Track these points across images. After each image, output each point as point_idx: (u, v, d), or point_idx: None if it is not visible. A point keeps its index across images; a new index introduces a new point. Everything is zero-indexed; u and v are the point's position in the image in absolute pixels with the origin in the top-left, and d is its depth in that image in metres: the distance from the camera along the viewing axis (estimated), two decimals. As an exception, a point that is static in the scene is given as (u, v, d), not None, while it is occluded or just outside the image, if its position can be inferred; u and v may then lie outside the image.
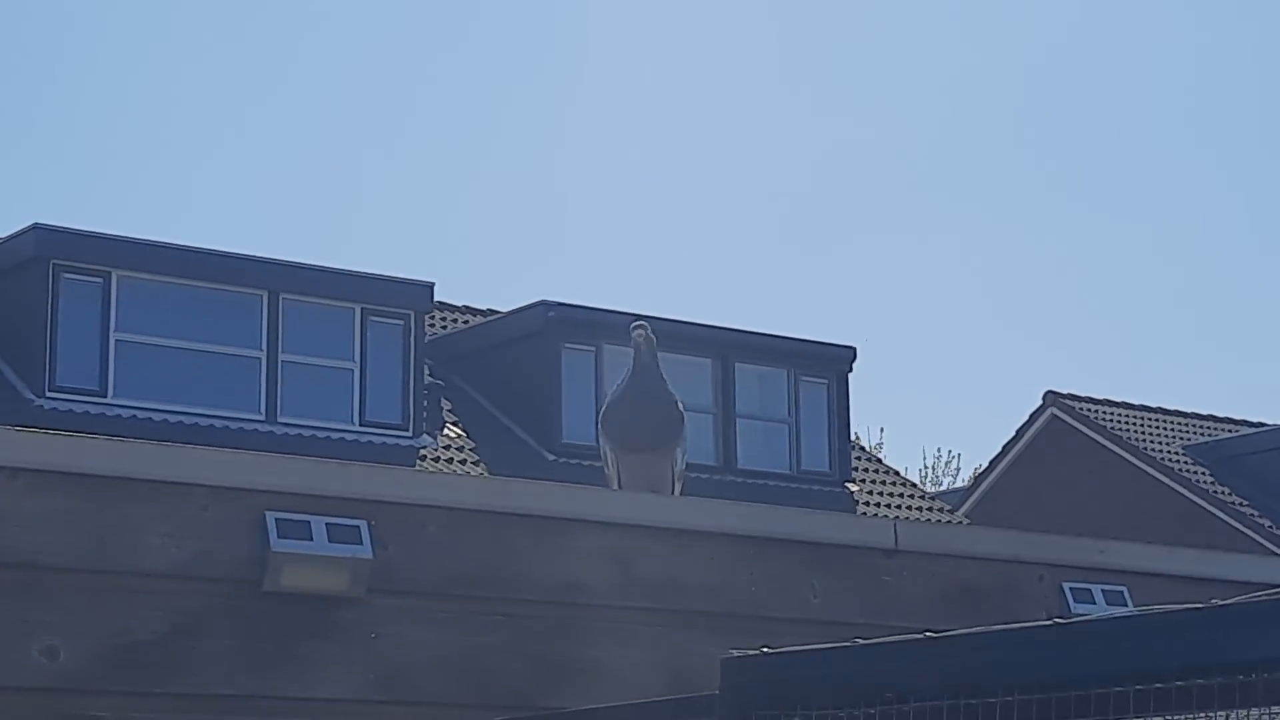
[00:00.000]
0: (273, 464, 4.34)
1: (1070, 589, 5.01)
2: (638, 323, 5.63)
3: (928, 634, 2.82)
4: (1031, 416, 24.04)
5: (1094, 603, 5.02)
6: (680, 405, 5.62)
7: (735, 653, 3.03)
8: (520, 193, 48.51)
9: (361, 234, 45.78)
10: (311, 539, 4.12)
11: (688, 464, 5.70)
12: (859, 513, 19.30)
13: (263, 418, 17.54)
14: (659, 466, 5.41)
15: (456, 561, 4.32)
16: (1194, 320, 49.23)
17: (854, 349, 20.50)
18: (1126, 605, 4.96)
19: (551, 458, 18.38)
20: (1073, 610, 4.97)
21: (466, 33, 47.21)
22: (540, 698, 4.31)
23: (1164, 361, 48.08)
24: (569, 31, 48.11)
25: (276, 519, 4.09)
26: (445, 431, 18.97)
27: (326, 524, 4.14)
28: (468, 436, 18.84)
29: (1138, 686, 2.59)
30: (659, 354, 5.80)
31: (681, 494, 5.58)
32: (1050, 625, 2.69)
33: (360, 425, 18.08)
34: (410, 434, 18.29)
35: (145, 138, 46.05)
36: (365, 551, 4.16)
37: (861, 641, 2.91)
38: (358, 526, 4.17)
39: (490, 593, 4.36)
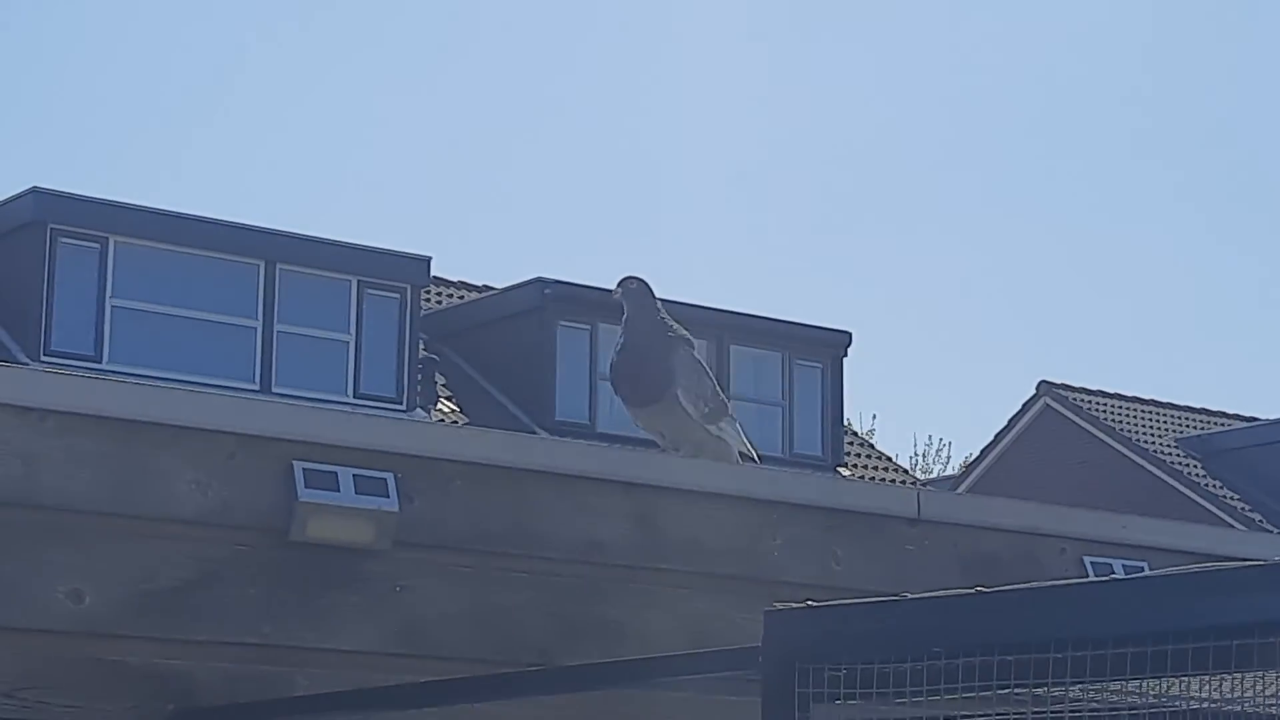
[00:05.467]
0: (302, 414, 4.31)
1: (1091, 563, 5.00)
2: (624, 277, 5.39)
3: (979, 589, 2.80)
4: (1024, 406, 24.05)
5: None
6: (680, 354, 5.24)
7: (778, 605, 3.01)
8: (519, 170, 48.44)
9: (360, 207, 45.73)
10: (338, 490, 4.10)
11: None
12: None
13: (257, 387, 17.51)
14: (666, 420, 5.21)
15: (482, 517, 4.29)
16: (1189, 313, 49.29)
17: (849, 334, 20.50)
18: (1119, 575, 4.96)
19: (544, 434, 18.37)
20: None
21: (473, 8, 47.13)
22: (562, 656, 4.28)
23: (1158, 354, 48.12)
24: (568, 8, 48.03)
25: (304, 469, 4.07)
26: (438, 406, 18.95)
27: (354, 475, 4.11)
28: (461, 411, 18.82)
29: (1195, 644, 2.57)
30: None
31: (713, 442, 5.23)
32: (1105, 581, 2.67)
33: (354, 397, 18.06)
34: (404, 407, 18.26)
35: (145, 103, 45.94)
36: (391, 504, 4.14)
37: (910, 596, 2.89)
38: (384, 479, 4.15)
39: (515, 549, 4.33)
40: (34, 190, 16.93)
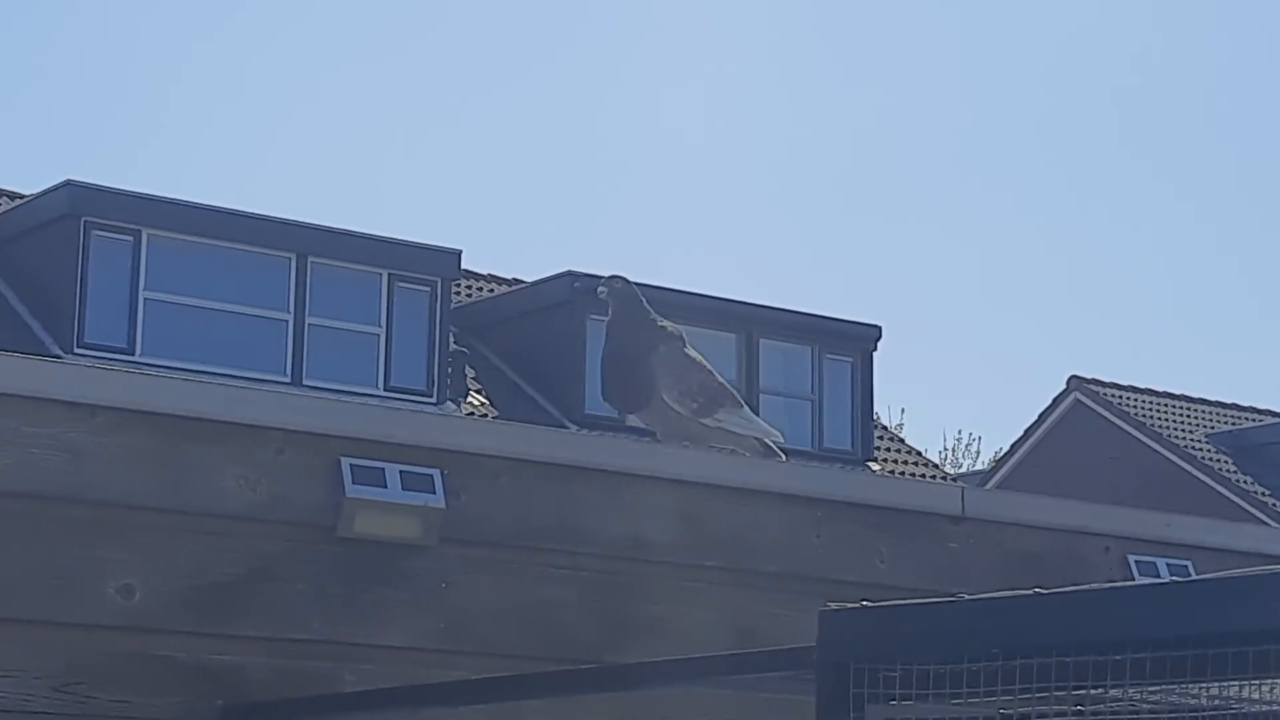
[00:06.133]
0: (349, 410, 4.32)
1: (1135, 561, 4.99)
2: (609, 276, 5.22)
3: (1037, 590, 2.79)
4: (1054, 401, 24.01)
5: (1159, 576, 4.99)
6: (660, 352, 5.06)
7: (833, 605, 3.00)
8: (550, 164, 48.44)
9: (391, 200, 45.78)
10: (385, 486, 4.10)
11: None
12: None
13: (288, 380, 17.54)
14: (655, 419, 5.05)
15: (527, 513, 4.30)
16: (1221, 308, 49.14)
17: (879, 328, 20.47)
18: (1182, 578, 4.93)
19: (573, 428, 18.36)
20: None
21: (502, 4, 47.14)
22: (607, 652, 4.28)
23: (1189, 348, 48.00)
24: (602, 2, 48.02)
25: (351, 465, 4.07)
26: (468, 399, 18.96)
27: (400, 471, 4.11)
28: (490, 404, 18.84)
29: (1256, 647, 2.56)
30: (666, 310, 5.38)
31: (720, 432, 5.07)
32: (1165, 583, 2.66)
33: (384, 390, 18.08)
34: (434, 400, 18.28)
35: (177, 97, 46.05)
36: (438, 500, 4.14)
37: (967, 596, 2.88)
38: (431, 475, 4.15)
39: (560, 545, 4.33)
40: (68, 183, 16.97)
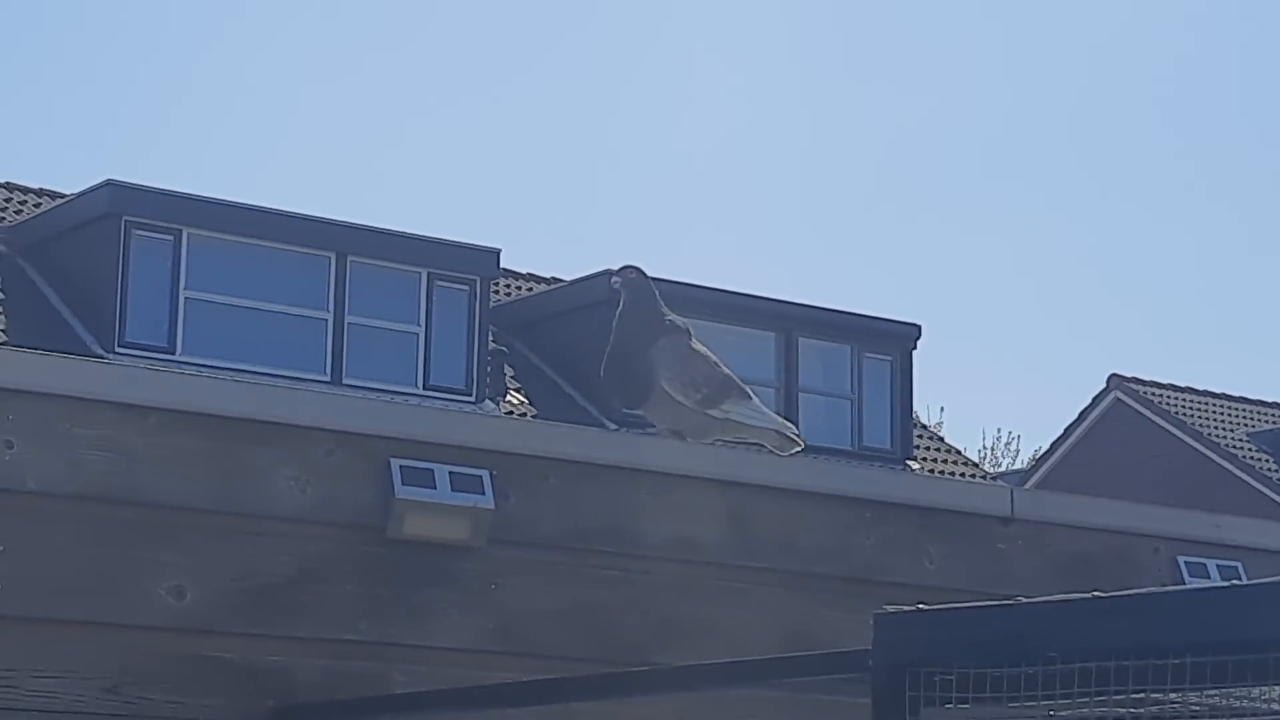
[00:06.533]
0: (398, 411, 4.32)
1: (1185, 563, 4.96)
2: (623, 266, 5.05)
3: (1095, 593, 2.77)
4: (1094, 399, 23.92)
5: (1208, 577, 4.96)
6: (661, 344, 4.92)
7: (889, 608, 2.99)
8: (587, 163, 48.45)
9: (430, 199, 45.85)
10: (435, 487, 4.10)
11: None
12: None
13: (328, 379, 17.56)
14: (659, 413, 4.90)
15: (576, 514, 4.29)
16: (1262, 306, 48.90)
17: (919, 326, 20.42)
18: (1241, 581, 4.90)
19: (613, 427, 18.35)
20: (1186, 584, 4.91)
21: (541, 4, 47.14)
22: (655, 654, 4.28)
23: (1230, 347, 47.81)
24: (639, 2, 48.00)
25: (401, 466, 4.07)
26: (507, 398, 18.97)
27: (450, 472, 4.11)
28: (530, 403, 18.84)
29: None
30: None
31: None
32: (1226, 586, 2.64)
33: (424, 389, 18.09)
34: (473, 399, 18.29)
35: (217, 97, 46.18)
36: (487, 501, 4.14)
37: (1024, 599, 2.87)
38: (480, 476, 4.14)
39: (609, 547, 4.32)
40: (108, 183, 17.02)
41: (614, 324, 4.99)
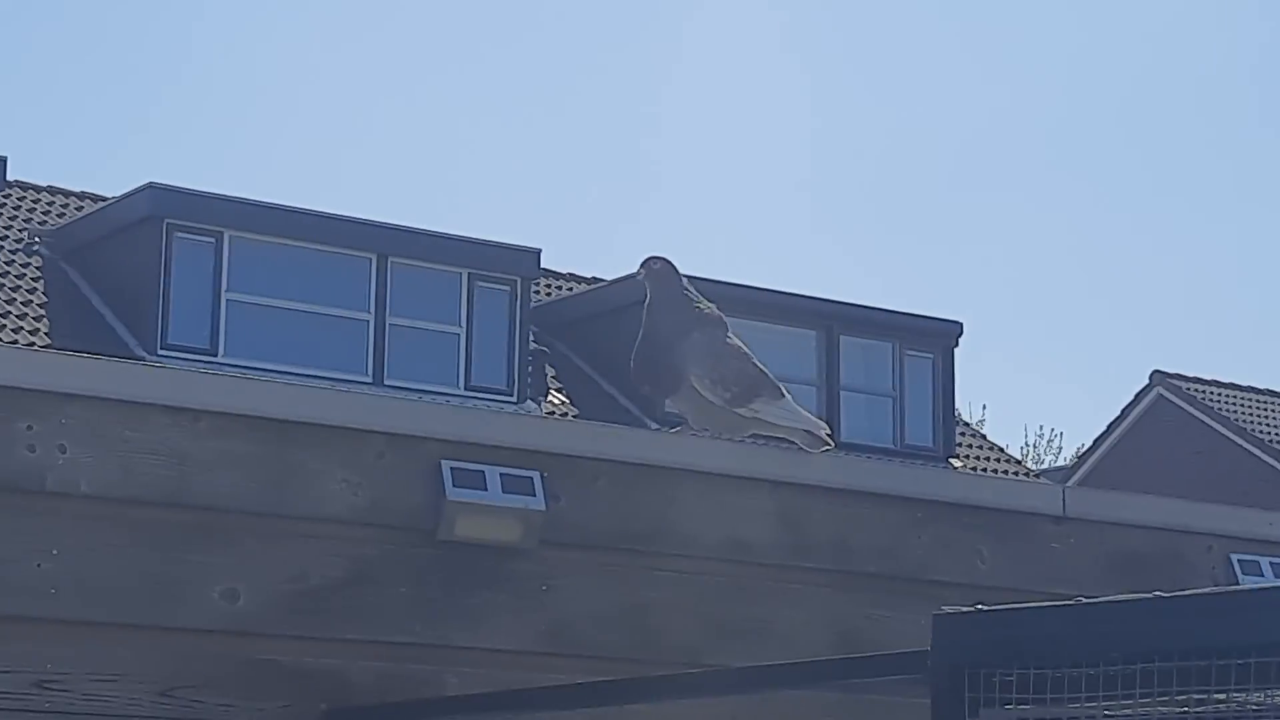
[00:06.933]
0: (449, 413, 4.32)
1: (1238, 560, 4.93)
2: (648, 257, 4.94)
3: (1157, 594, 2.75)
4: (1137, 396, 23.82)
5: (1262, 575, 4.93)
6: (694, 338, 4.82)
7: (947, 609, 2.97)
8: (627, 162, 48.46)
9: (470, 200, 45.94)
10: (485, 489, 4.09)
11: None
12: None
13: (369, 380, 17.59)
14: (687, 407, 4.78)
15: (627, 516, 4.28)
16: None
17: (960, 324, 20.36)
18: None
19: (655, 426, 18.34)
20: (1240, 582, 4.88)
21: (583, 7, 47.18)
22: (708, 655, 4.26)
23: (1273, 343, 47.54)
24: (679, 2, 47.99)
25: (452, 468, 4.06)
26: (549, 398, 18.97)
27: (500, 474, 4.10)
28: (571, 403, 18.84)
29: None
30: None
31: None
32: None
33: (465, 389, 18.11)
34: (514, 399, 18.30)
35: (258, 99, 46.32)
36: (538, 503, 4.12)
37: (1084, 600, 2.85)
38: (530, 477, 4.13)
39: (659, 548, 4.31)
40: (150, 186, 17.08)
41: (643, 316, 4.89)
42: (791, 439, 4.85)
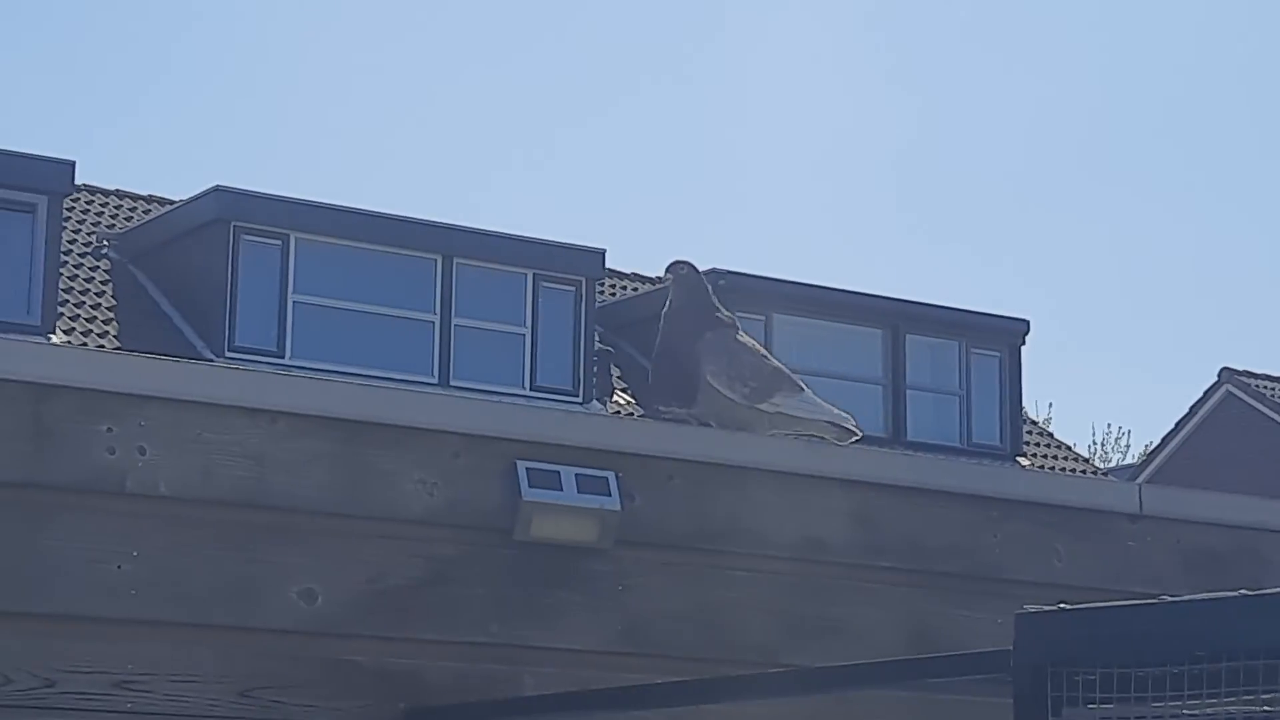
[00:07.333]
0: (524, 413, 4.32)
1: (1317, 559, 4.88)
2: (674, 261, 4.88)
3: (1243, 592, 2.73)
4: (1206, 393, 23.66)
5: (1341, 573, 4.88)
6: (706, 339, 4.77)
7: (1030, 608, 2.96)
8: (692, 161, 48.47)
9: (535, 200, 46.04)
10: (561, 489, 4.09)
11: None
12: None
13: (435, 380, 17.65)
14: (707, 409, 4.74)
15: (701, 515, 4.28)
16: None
17: (1027, 322, 20.30)
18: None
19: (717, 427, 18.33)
20: (1319, 581, 4.84)
21: (647, 8, 47.20)
22: (783, 654, 4.26)
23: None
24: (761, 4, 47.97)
25: (527, 468, 4.06)
26: (614, 398, 18.99)
27: (576, 474, 4.10)
28: (636, 403, 18.85)
29: None
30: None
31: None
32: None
33: (530, 390, 18.15)
34: (580, 399, 18.33)
35: (323, 103, 46.55)
36: (613, 503, 4.13)
37: (1168, 598, 2.83)
38: (606, 478, 4.14)
39: (734, 547, 4.31)
40: (217, 189, 17.19)
41: (661, 322, 4.86)
42: (817, 433, 4.81)
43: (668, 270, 4.89)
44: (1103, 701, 2.86)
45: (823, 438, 4.79)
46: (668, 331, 4.86)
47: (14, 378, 3.66)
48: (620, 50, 48.40)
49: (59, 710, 3.61)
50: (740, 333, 4.90)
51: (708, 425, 4.76)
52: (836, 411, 4.91)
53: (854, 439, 4.83)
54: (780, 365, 4.88)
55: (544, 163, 48.28)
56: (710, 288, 4.96)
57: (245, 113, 46.47)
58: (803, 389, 4.87)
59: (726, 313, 4.91)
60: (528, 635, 4.06)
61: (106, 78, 45.25)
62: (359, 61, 46.39)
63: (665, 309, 4.86)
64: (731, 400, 4.73)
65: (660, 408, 4.82)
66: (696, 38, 48.41)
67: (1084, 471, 20.71)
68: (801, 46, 49.37)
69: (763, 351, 4.90)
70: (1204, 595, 2.80)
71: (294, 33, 46.26)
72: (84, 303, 17.06)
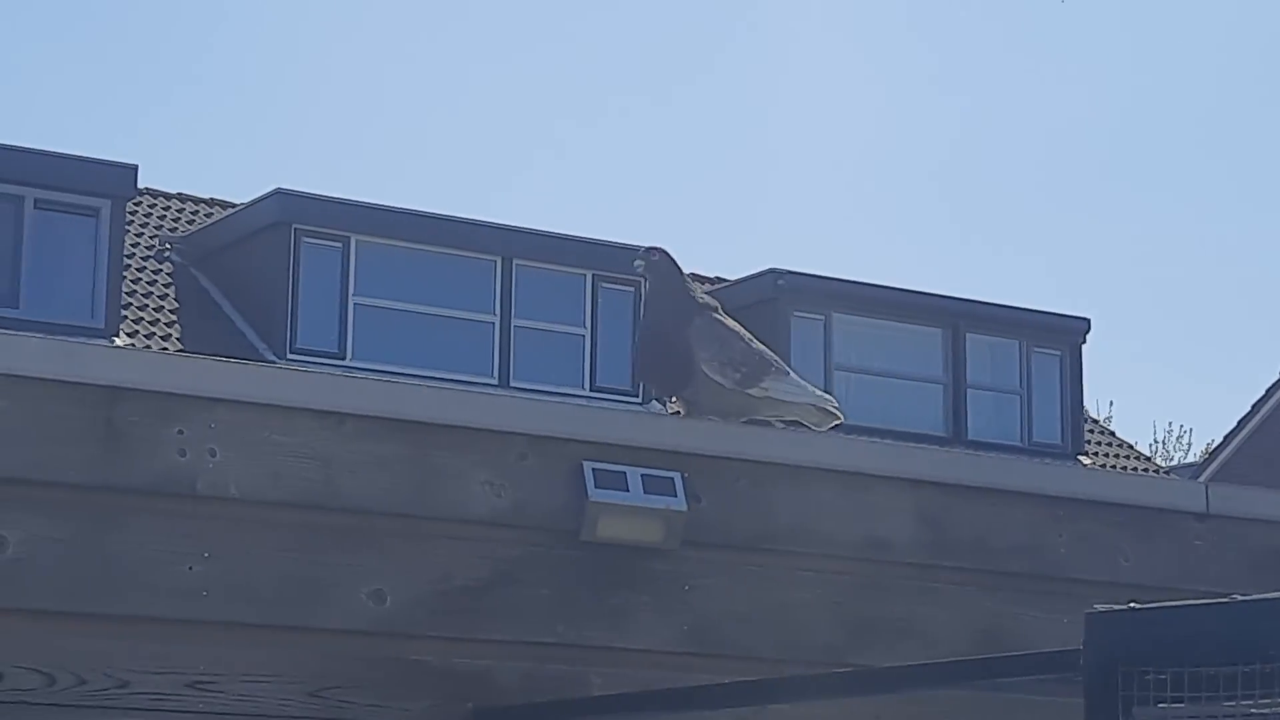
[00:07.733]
0: (590, 414, 4.34)
1: (1385, 558, 4.85)
2: (647, 248, 4.85)
3: (1316, 590, 2.72)
4: (1268, 391, 23.50)
5: None
6: (696, 325, 4.74)
7: (1100, 608, 2.95)
8: (749, 162, 48.45)
9: (591, 202, 46.11)
10: (627, 490, 4.10)
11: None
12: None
13: (495, 381, 17.69)
14: (699, 397, 4.73)
15: (767, 515, 4.28)
16: None
17: (1088, 320, 20.20)
18: None
19: (781, 426, 18.31)
20: (1388, 580, 4.81)
21: (703, 7, 47.21)
22: (850, 654, 4.26)
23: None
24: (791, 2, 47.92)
25: (593, 469, 4.08)
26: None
27: (642, 475, 4.12)
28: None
29: None
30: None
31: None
32: None
33: (590, 390, 18.17)
34: (640, 400, 18.34)
35: (384, 105, 46.72)
36: (679, 503, 4.14)
37: (1240, 598, 2.82)
38: (672, 478, 4.15)
39: (800, 548, 4.31)
40: (278, 192, 17.27)
41: (642, 308, 4.87)
42: (802, 417, 4.81)
43: (639, 257, 4.87)
44: (1173, 701, 2.85)
45: (801, 423, 4.79)
46: (651, 317, 4.87)
47: (85, 380, 3.69)
48: (677, 52, 48.39)
49: (133, 711, 3.64)
50: (721, 313, 4.88)
51: (699, 411, 4.77)
52: (819, 394, 4.91)
53: (835, 422, 4.83)
54: (764, 348, 4.87)
55: (602, 163, 48.33)
56: (684, 273, 4.91)
57: (305, 116, 46.69)
58: (788, 372, 4.89)
59: (706, 296, 4.91)
60: (594, 636, 4.07)
61: (167, 83, 45.54)
62: (416, 65, 46.55)
63: (643, 295, 4.84)
64: (723, 387, 4.73)
65: (654, 395, 4.82)
66: (752, 41, 48.37)
67: (1146, 470, 20.61)
68: (858, 49, 49.29)
69: (746, 335, 4.89)
70: (1275, 594, 2.79)
71: (351, 38, 46.45)
72: (147, 305, 17.17)
